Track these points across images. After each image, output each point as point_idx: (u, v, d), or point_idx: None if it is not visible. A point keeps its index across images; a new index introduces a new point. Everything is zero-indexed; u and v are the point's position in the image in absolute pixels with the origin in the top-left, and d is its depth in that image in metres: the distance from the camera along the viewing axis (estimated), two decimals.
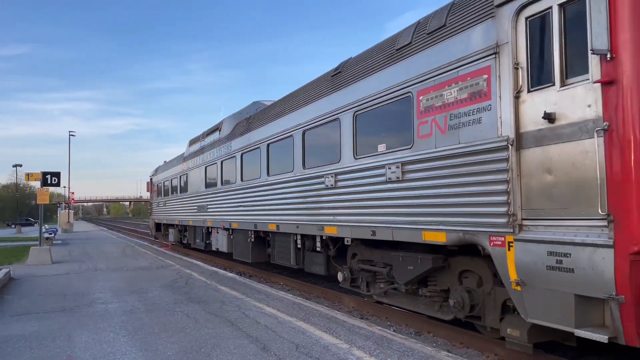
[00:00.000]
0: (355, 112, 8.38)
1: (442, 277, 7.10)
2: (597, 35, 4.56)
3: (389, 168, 7.39)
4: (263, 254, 13.11)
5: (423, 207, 6.75)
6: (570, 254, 4.77)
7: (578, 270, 4.68)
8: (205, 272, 13.45)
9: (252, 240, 13.06)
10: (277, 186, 11.26)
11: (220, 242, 15.74)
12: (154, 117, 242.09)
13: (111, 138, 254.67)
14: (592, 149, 4.62)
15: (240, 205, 13.51)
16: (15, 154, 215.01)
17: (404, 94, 7.22)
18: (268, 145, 11.90)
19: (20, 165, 49.97)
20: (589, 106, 4.69)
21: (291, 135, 10.68)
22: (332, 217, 8.99)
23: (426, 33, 6.98)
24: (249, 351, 5.77)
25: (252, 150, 12.85)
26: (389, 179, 7.39)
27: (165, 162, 25.52)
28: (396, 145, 7.37)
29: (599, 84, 4.58)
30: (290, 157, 10.64)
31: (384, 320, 8.57)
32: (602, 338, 4.51)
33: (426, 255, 7.04)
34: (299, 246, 10.81)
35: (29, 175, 17.52)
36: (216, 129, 16.73)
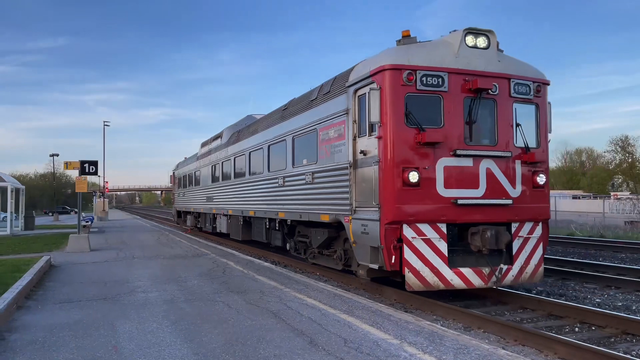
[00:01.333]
0: (293, 136, 12.25)
1: (335, 243, 10.90)
2: (374, 113, 8.26)
3: (307, 175, 11.24)
4: (249, 234, 16.74)
5: (320, 200, 10.58)
6: (367, 225, 8.62)
7: (370, 233, 8.52)
8: (241, 261, 13.37)
9: (241, 223, 17.07)
10: (255, 183, 15.26)
11: (222, 225, 19.70)
12: (185, 107, 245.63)
13: (144, 128, 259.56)
14: (375, 171, 8.41)
15: (234, 197, 17.63)
16: (51, 143, 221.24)
17: (313, 129, 11.06)
18: (250, 153, 15.94)
19: (57, 155, 51.20)
20: (375, 148, 8.45)
21: (262, 147, 14.64)
22: (282, 206, 12.88)
23: (322, 94, 10.83)
24: (296, 345, 5.57)
25: (241, 155, 16.98)
26: (307, 182, 11.24)
27: (185, 158, 29.77)
28: (311, 161, 11.18)
29: (377, 138, 8.41)
30: (262, 163, 14.64)
31: (429, 313, 8.28)
32: (377, 266, 8.52)
33: (325, 229, 10.78)
34: (267, 227, 14.55)
35: (67, 164, 17.76)
36: (219, 136, 20.96)
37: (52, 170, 78.51)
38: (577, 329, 7.40)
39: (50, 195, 78.62)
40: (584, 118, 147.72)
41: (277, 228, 13.78)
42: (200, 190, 23.62)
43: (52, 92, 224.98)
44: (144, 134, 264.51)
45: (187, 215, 28.23)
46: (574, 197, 59.97)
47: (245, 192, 16.15)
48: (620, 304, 9.16)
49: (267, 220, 14.35)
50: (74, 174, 17.96)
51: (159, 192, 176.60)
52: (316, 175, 10.74)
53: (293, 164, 12.16)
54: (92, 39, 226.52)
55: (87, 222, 26.83)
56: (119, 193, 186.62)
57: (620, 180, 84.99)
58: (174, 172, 32.43)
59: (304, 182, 11.38)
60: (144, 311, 7.36)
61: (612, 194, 64.32)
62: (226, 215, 18.76)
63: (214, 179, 20.73)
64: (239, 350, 5.41)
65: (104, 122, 53.60)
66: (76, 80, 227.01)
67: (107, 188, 58.53)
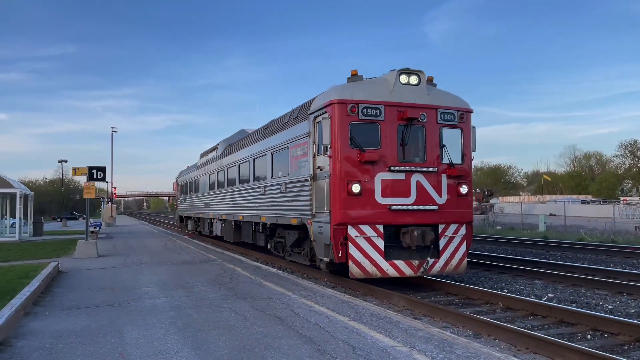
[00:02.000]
0: (272, 152, 14.18)
1: (303, 242, 12.55)
2: (325, 137, 10.26)
3: (281, 185, 13.18)
4: (239, 236, 18.40)
5: (291, 206, 12.51)
6: (322, 227, 10.52)
7: (324, 233, 10.43)
8: (248, 267, 13.34)
9: (233, 227, 18.76)
10: (243, 191, 17.24)
11: (217, 229, 21.45)
12: (192, 113, 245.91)
13: (151, 134, 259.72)
14: (327, 183, 10.35)
15: (227, 203, 19.58)
16: (59, 149, 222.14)
17: (285, 146, 12.97)
18: (239, 164, 17.85)
19: (66, 161, 51.49)
20: (328, 165, 10.37)
21: (248, 160, 16.61)
22: (263, 211, 14.81)
23: (292, 118, 12.84)
24: (304, 352, 5.51)
25: (232, 166, 18.89)
26: (281, 191, 13.18)
27: (187, 167, 31.39)
28: (284, 173, 13.09)
29: (328, 157, 10.30)
30: (249, 174, 16.61)
31: (438, 320, 8.19)
32: (328, 259, 10.49)
33: (295, 231, 12.62)
34: (253, 229, 16.42)
35: (75, 170, 17.83)
36: (215, 148, 23.04)
37: (61, 177, 78.95)
38: (589, 337, 7.28)
39: (59, 201, 79.11)
40: (593, 122, 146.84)
41: (260, 230, 15.78)
42: (199, 197, 25.60)
43: (61, 99, 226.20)
44: (151, 139, 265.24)
45: (188, 220, 30.45)
46: (583, 202, 59.52)
47: (236, 199, 18.15)
48: (633, 310, 9.01)
49: (253, 223, 16.31)
50: (82, 180, 18.33)
51: (166, 198, 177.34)
52: (288, 185, 12.75)
53: (272, 175, 14.21)
54: (100, 45, 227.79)
55: (95, 228, 26.90)
56: (126, 199, 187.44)
57: (629, 185, 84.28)
58: (177, 180, 34.62)
59: (279, 191, 13.38)
60: (151, 318, 7.32)
61: (621, 198, 63.79)
62: (221, 219, 20.71)
63: (211, 186, 22.70)
64: (247, 358, 5.35)
65: (112, 128, 53.89)
66: (84, 86, 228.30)
67: (114, 194, 58.78)
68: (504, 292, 10.60)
